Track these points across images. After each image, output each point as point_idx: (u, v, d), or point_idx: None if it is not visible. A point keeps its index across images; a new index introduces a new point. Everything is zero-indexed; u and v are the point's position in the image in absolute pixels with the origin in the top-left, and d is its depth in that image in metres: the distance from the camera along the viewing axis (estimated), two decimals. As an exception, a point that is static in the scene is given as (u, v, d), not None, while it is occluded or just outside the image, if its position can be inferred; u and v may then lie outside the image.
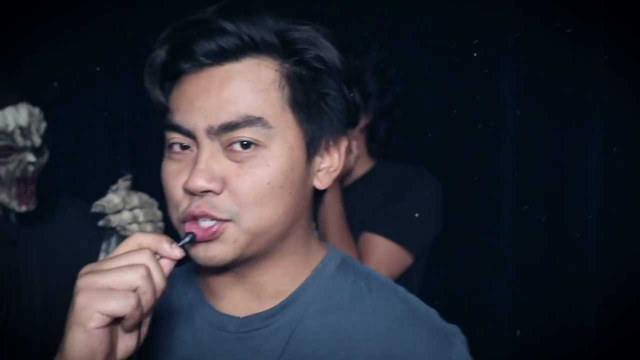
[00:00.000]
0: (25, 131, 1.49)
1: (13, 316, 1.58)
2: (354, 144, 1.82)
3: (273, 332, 0.81)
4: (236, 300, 0.83)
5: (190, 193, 0.75)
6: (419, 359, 0.78)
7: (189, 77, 0.78)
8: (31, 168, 1.53)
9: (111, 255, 0.69)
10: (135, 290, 0.65)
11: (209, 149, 0.76)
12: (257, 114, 0.75)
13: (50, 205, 1.69)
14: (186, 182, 0.75)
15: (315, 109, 0.80)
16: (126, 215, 1.41)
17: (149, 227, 1.44)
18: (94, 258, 1.51)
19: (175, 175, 0.78)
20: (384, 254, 1.74)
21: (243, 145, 0.75)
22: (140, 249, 0.69)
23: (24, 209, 1.55)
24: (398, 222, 1.76)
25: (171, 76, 0.80)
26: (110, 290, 0.65)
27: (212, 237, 0.75)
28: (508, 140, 2.12)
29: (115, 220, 1.39)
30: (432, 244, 1.87)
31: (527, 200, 2.09)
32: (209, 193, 0.75)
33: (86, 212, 1.62)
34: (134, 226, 1.41)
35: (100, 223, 1.40)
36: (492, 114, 2.12)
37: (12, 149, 1.51)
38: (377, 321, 0.81)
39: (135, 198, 1.44)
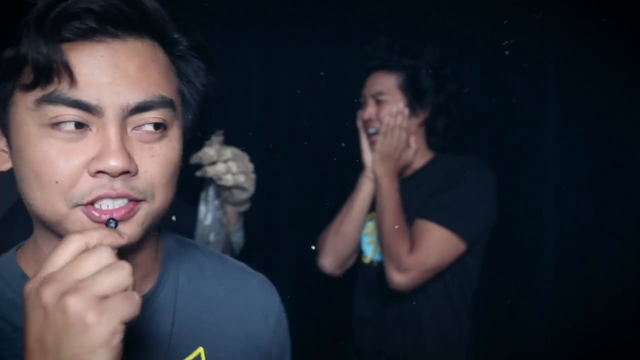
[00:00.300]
0: None
1: None
2: (413, 138, 1.94)
3: (157, 309, 0.82)
4: None
5: (102, 175, 0.70)
6: (255, 300, 0.94)
7: (77, 45, 0.70)
8: None
9: (54, 264, 0.61)
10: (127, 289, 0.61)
11: (120, 128, 0.71)
12: (169, 95, 0.75)
13: None
14: (101, 163, 0.69)
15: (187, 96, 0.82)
16: (220, 167, 1.52)
17: (241, 177, 1.54)
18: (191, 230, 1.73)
19: (69, 156, 0.70)
20: (435, 240, 1.80)
21: (154, 126, 0.73)
22: (96, 247, 0.62)
23: None
24: (449, 209, 1.82)
25: (50, 39, 0.68)
26: (110, 297, 0.59)
27: (125, 218, 0.72)
28: (551, 135, 2.19)
29: (210, 171, 1.51)
30: (488, 235, 1.92)
31: (570, 192, 2.13)
32: (127, 174, 0.71)
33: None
34: (229, 176, 1.52)
35: (198, 173, 1.51)
36: (534, 110, 2.19)
37: None
38: (224, 278, 0.94)
39: (229, 151, 1.54)
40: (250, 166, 1.57)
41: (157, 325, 0.82)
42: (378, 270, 1.94)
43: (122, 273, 0.60)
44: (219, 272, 0.94)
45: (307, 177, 2.59)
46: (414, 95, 1.94)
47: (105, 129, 0.71)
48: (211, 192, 1.55)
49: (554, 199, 2.18)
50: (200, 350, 0.85)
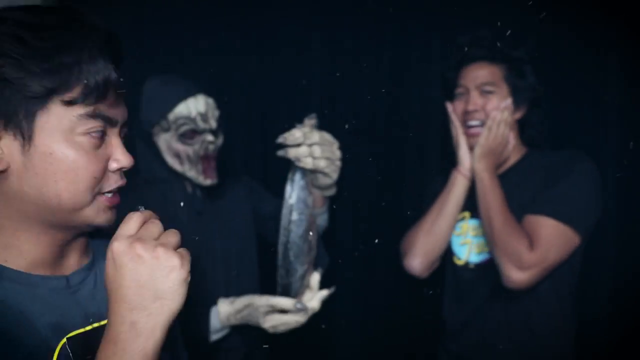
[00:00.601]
0: (204, 116, 1.73)
1: (199, 280, 1.71)
2: (511, 134, 1.87)
3: (91, 280, 0.98)
4: (70, 260, 0.97)
5: (117, 170, 0.93)
6: None
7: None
8: (211, 147, 1.75)
9: (129, 230, 0.84)
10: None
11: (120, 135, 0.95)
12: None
13: (227, 182, 1.90)
14: (120, 163, 0.92)
15: None
16: (303, 149, 1.49)
17: (322, 162, 1.51)
18: (250, 229, 1.91)
19: (97, 156, 0.89)
20: (553, 234, 1.73)
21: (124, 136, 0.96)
22: (153, 219, 0.87)
23: (208, 182, 1.76)
24: (562, 203, 1.76)
25: None
26: (179, 250, 0.86)
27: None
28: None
29: (292, 152, 1.49)
30: (593, 229, 1.84)
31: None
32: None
33: (252, 188, 1.96)
34: (309, 159, 1.50)
35: (279, 153, 1.49)
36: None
37: (195, 132, 1.73)
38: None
39: (317, 135, 1.50)
40: (337, 153, 1.53)
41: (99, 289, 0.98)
42: (477, 272, 1.89)
43: (177, 235, 0.86)
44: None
45: (390, 171, 2.55)
46: (518, 89, 1.87)
47: (114, 135, 0.92)
48: (298, 172, 1.53)
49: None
50: None
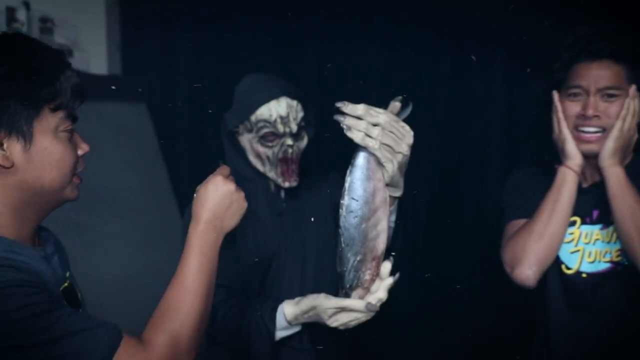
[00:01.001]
0: (284, 120, 1.73)
1: (275, 275, 1.81)
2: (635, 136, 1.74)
3: (54, 251, 1.26)
4: (36, 237, 1.22)
5: (82, 155, 1.21)
6: None
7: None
8: (290, 150, 1.75)
9: (214, 182, 1.29)
10: None
11: None
12: None
13: (312, 181, 1.91)
14: (85, 147, 1.20)
15: None
16: (361, 123, 1.31)
17: (375, 144, 1.32)
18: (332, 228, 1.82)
19: (72, 147, 1.17)
20: None
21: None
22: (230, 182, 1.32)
23: (287, 184, 1.77)
24: None
25: None
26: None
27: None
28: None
29: (348, 120, 1.31)
30: None
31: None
32: None
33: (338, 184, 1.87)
34: (359, 134, 1.31)
35: (336, 117, 1.32)
36: None
37: (274, 135, 1.74)
38: None
39: (383, 117, 1.31)
40: (403, 147, 1.34)
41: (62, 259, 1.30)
42: (592, 281, 1.75)
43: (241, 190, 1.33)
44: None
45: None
46: None
47: (76, 133, 1.18)
48: (359, 155, 1.37)
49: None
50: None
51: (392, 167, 1.34)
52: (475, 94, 2.74)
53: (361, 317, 1.44)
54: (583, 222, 1.80)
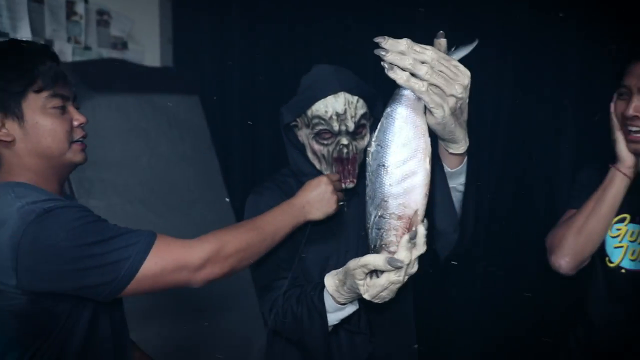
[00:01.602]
0: (341, 117, 1.60)
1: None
2: None
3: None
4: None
5: (79, 125, 1.44)
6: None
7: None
8: (345, 150, 1.62)
9: (320, 181, 1.58)
10: None
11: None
12: None
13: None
14: (80, 119, 1.43)
15: None
16: (406, 59, 1.11)
17: (422, 86, 1.12)
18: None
19: (65, 119, 1.42)
20: None
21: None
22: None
23: (342, 186, 1.66)
24: None
25: None
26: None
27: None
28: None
29: (389, 56, 1.12)
30: None
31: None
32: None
33: None
34: (403, 74, 1.12)
35: (376, 51, 1.13)
36: None
37: (329, 133, 1.62)
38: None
39: (432, 55, 1.11)
40: (456, 89, 1.13)
41: None
42: (630, 278, 1.79)
43: (342, 196, 1.60)
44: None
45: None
46: None
47: (70, 105, 1.42)
48: (395, 99, 1.18)
49: None
50: None
51: (442, 113, 1.15)
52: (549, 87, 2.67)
53: (391, 285, 1.25)
54: (632, 220, 1.80)
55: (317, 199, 1.55)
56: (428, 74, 1.11)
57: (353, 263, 1.28)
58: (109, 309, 1.43)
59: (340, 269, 1.39)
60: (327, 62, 1.68)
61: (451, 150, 1.30)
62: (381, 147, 1.16)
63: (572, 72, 2.61)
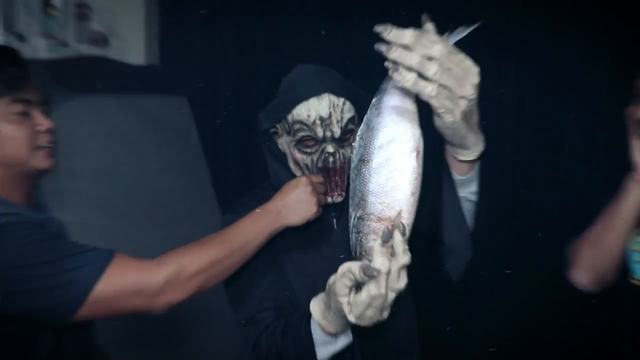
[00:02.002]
0: (325, 122, 1.50)
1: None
2: None
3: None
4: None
5: (44, 131, 1.44)
6: None
7: None
8: (331, 159, 1.53)
9: (301, 181, 1.49)
10: None
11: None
12: None
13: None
14: (45, 124, 1.42)
15: None
16: (414, 58, 0.98)
17: (427, 87, 0.99)
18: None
19: (27, 125, 1.41)
20: None
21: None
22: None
23: (329, 200, 1.56)
24: None
25: None
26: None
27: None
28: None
29: (394, 53, 0.99)
30: None
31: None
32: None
33: None
34: (410, 76, 0.99)
35: (377, 46, 1.00)
36: None
37: (313, 140, 1.53)
38: None
39: (442, 49, 0.98)
40: (467, 89, 1.01)
41: None
42: None
43: (324, 199, 1.53)
44: None
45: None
46: None
47: (36, 110, 1.43)
48: (384, 89, 1.09)
49: None
50: None
51: (452, 118, 1.03)
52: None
53: (374, 302, 1.09)
54: None
55: (295, 201, 1.45)
56: (438, 74, 0.97)
57: (332, 277, 1.16)
58: (75, 334, 1.40)
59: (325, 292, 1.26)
60: (322, 59, 1.60)
61: (461, 157, 1.19)
62: (363, 141, 1.09)
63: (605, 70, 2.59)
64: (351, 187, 1.12)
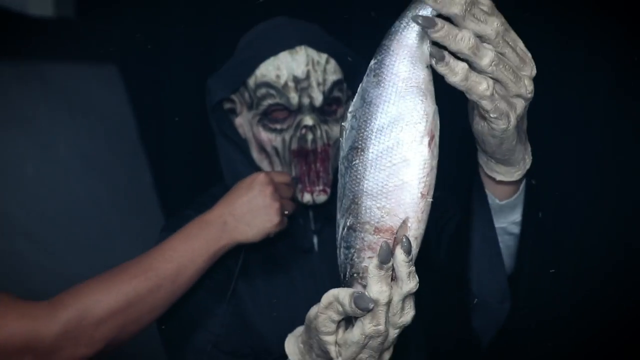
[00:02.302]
0: (301, 83, 1.32)
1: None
2: None
3: None
4: None
5: None
6: None
7: None
8: (309, 136, 1.32)
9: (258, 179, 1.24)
10: None
11: None
12: None
13: None
14: None
15: None
16: (466, 40, 0.80)
17: (481, 85, 0.84)
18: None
19: None
20: None
21: None
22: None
23: (306, 199, 1.33)
24: None
25: None
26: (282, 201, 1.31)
27: None
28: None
29: (439, 32, 0.81)
30: None
31: None
32: None
33: None
34: (460, 67, 0.82)
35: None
36: None
37: (284, 109, 1.32)
38: None
39: (497, 26, 0.81)
40: (525, 86, 0.85)
41: None
42: None
43: (292, 206, 1.31)
44: None
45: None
46: None
47: None
48: (395, 40, 0.88)
49: None
50: None
51: (506, 124, 0.88)
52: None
53: (370, 342, 0.94)
54: None
55: (247, 207, 1.21)
56: (494, 63, 0.81)
57: (314, 309, 0.95)
58: None
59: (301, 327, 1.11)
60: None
61: (500, 177, 1.04)
62: (357, 120, 0.89)
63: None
64: (339, 185, 0.92)
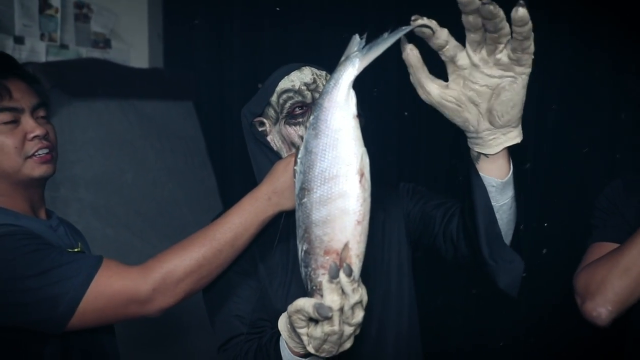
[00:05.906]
0: (310, 87, 1.48)
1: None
2: None
3: (61, 226, 1.55)
4: (40, 215, 1.51)
5: (33, 138, 1.43)
6: None
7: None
8: None
9: (288, 161, 1.33)
10: None
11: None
12: None
13: (376, 192, 1.40)
14: (36, 131, 1.41)
15: None
16: (441, 34, 0.99)
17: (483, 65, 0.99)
18: (403, 248, 1.55)
19: (15, 134, 1.41)
20: None
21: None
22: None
23: None
24: None
25: None
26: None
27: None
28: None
29: (440, 34, 0.98)
30: None
31: None
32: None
33: (408, 192, 1.62)
34: (471, 69, 0.98)
35: (416, 20, 0.99)
36: None
37: (303, 105, 1.48)
38: None
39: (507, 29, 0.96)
40: (521, 79, 1.01)
41: None
42: None
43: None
44: None
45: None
46: None
47: (26, 117, 1.42)
48: (326, 100, 1.03)
49: None
50: None
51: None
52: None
53: (330, 337, 1.07)
54: None
55: (286, 183, 1.32)
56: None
57: (290, 307, 1.10)
58: (83, 341, 1.43)
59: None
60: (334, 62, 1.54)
61: (507, 142, 1.13)
62: (303, 166, 1.04)
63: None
64: (296, 217, 1.07)
